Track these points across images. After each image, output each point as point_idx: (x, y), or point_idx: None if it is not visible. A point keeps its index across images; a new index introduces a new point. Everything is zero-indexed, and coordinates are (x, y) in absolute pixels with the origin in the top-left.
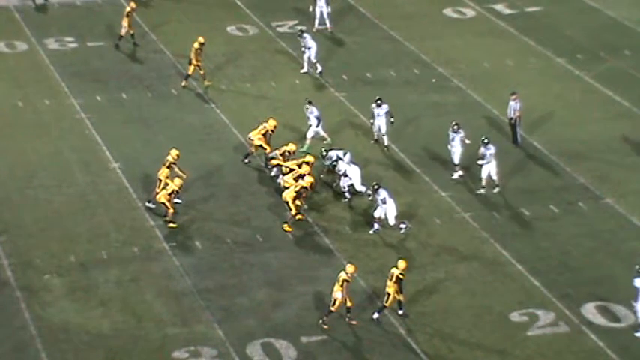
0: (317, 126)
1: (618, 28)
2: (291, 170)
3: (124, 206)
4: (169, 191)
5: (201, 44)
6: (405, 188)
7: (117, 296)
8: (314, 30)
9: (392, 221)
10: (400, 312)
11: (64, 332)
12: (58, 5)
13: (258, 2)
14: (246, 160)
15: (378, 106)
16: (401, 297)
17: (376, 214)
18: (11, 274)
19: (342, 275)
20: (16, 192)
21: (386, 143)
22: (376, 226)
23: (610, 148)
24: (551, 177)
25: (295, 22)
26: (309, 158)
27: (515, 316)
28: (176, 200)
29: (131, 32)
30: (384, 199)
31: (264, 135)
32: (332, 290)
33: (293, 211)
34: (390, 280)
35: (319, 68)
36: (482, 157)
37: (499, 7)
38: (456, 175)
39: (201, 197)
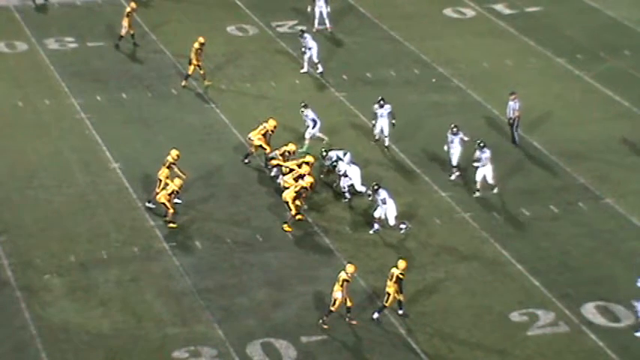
0: (313, 128)
1: (618, 28)
2: (291, 170)
3: (124, 206)
4: (169, 191)
5: (202, 44)
6: (405, 188)
7: (117, 296)
8: (314, 30)
9: (392, 221)
10: (400, 312)
11: (64, 332)
12: (58, 5)
13: (258, 2)
14: (246, 160)
15: (381, 106)
16: (401, 297)
17: (376, 214)
18: (11, 274)
19: (342, 275)
20: (16, 192)
21: (387, 144)
22: (376, 226)
23: (610, 148)
24: (551, 177)
25: (295, 22)
26: (309, 158)
27: (515, 316)
28: (176, 200)
29: (131, 32)
30: (384, 199)
31: (264, 135)
32: (332, 290)
33: (293, 211)
34: (390, 280)
35: (320, 69)
36: (478, 160)
37: (499, 7)
38: (453, 177)
39: (201, 197)
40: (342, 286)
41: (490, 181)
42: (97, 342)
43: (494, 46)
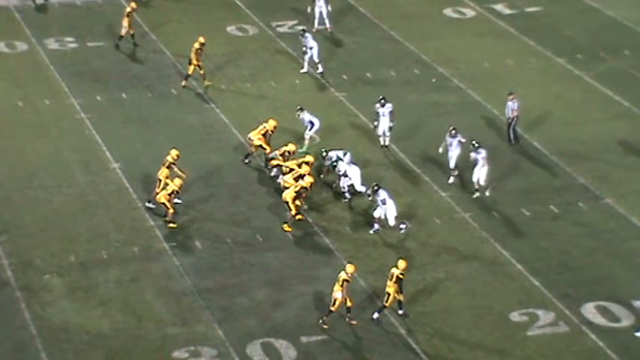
0: (310, 129)
1: (618, 28)
2: (291, 170)
3: (124, 206)
4: (169, 191)
5: (202, 44)
6: (405, 188)
7: (117, 296)
8: (314, 30)
9: (392, 221)
10: (400, 312)
11: (64, 332)
12: (58, 5)
13: (258, 2)
14: (246, 160)
15: (382, 105)
16: (401, 297)
17: (376, 214)
18: (11, 274)
19: (342, 275)
20: (16, 192)
21: (387, 143)
22: (376, 226)
23: (610, 148)
24: (551, 177)
25: (295, 22)
26: (309, 158)
27: (515, 316)
28: (176, 200)
29: (131, 32)
30: (384, 199)
31: (264, 135)
32: (332, 290)
33: (293, 211)
34: (390, 280)
35: (320, 69)
36: (475, 162)
37: (499, 7)
38: (452, 180)
39: (201, 197)
40: (342, 286)
41: (482, 182)
42: (97, 342)
43: (494, 46)
